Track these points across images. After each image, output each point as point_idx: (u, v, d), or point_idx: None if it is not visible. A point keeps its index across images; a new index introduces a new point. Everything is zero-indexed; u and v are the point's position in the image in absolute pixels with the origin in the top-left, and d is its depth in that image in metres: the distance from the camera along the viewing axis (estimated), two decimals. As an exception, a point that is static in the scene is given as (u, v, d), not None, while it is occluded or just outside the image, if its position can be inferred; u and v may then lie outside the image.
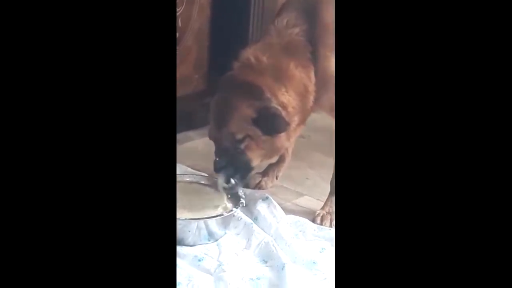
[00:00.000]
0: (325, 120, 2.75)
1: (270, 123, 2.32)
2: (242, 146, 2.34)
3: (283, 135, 2.36)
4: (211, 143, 2.43)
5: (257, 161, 2.41)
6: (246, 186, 2.68)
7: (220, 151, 2.38)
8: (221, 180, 2.40)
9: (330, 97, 2.41)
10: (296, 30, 2.41)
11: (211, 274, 2.16)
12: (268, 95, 2.32)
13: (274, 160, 2.71)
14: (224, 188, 2.42)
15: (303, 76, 2.38)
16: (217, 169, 2.38)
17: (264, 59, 2.38)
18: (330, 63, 2.38)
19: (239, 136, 2.33)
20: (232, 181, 2.39)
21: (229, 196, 2.44)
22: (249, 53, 2.41)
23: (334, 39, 1.98)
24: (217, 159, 2.38)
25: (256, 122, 2.32)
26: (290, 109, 2.35)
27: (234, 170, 2.38)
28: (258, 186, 2.73)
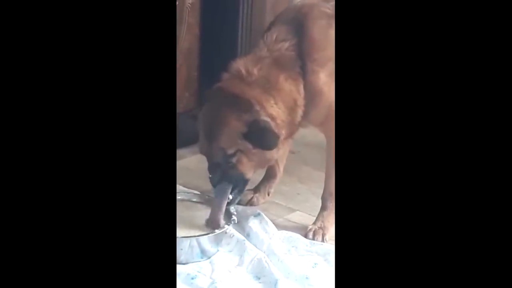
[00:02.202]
0: (314, 135, 2.77)
1: (261, 138, 2.32)
2: (234, 160, 2.34)
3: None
4: (203, 160, 2.44)
5: (249, 174, 2.40)
6: (238, 202, 2.68)
7: (212, 166, 2.39)
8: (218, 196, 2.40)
9: (318, 112, 2.42)
10: (286, 44, 2.42)
11: (204, 292, 2.16)
12: (257, 107, 2.32)
13: (264, 171, 2.72)
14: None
15: (292, 89, 2.39)
16: (214, 184, 2.38)
17: (255, 71, 2.39)
18: (318, 78, 2.39)
19: (230, 151, 2.33)
20: (230, 196, 2.39)
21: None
22: (240, 65, 2.42)
23: (334, 47, 1.98)
24: (210, 175, 2.39)
25: (246, 136, 2.32)
26: (279, 122, 2.36)
27: (229, 185, 2.37)
28: (250, 203, 2.72)
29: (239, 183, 2.40)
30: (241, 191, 2.44)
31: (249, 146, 2.33)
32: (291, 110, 2.39)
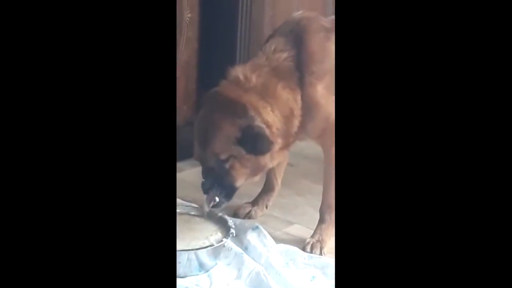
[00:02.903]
0: (312, 148, 2.76)
1: (254, 143, 2.32)
2: (227, 166, 2.34)
3: (267, 154, 2.36)
4: (200, 174, 2.43)
5: (242, 180, 2.40)
6: (236, 216, 2.68)
7: (206, 171, 2.38)
8: (206, 201, 2.41)
9: (316, 124, 2.43)
10: (284, 55, 2.43)
11: (202, 305, 2.15)
12: (252, 113, 2.33)
13: (262, 184, 2.72)
14: (210, 207, 2.42)
15: (289, 98, 2.40)
16: (205, 190, 2.38)
17: (253, 77, 2.39)
18: (315, 90, 2.40)
19: (223, 156, 2.33)
20: (217, 199, 2.39)
21: (211, 208, 2.44)
22: (238, 71, 2.43)
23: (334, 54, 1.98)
24: (203, 180, 2.39)
25: (240, 141, 2.32)
26: (274, 130, 2.36)
27: (219, 189, 2.38)
28: (248, 216, 2.72)
29: (227, 189, 2.39)
30: (228, 197, 2.42)
31: (242, 151, 2.33)
32: (287, 119, 2.40)
